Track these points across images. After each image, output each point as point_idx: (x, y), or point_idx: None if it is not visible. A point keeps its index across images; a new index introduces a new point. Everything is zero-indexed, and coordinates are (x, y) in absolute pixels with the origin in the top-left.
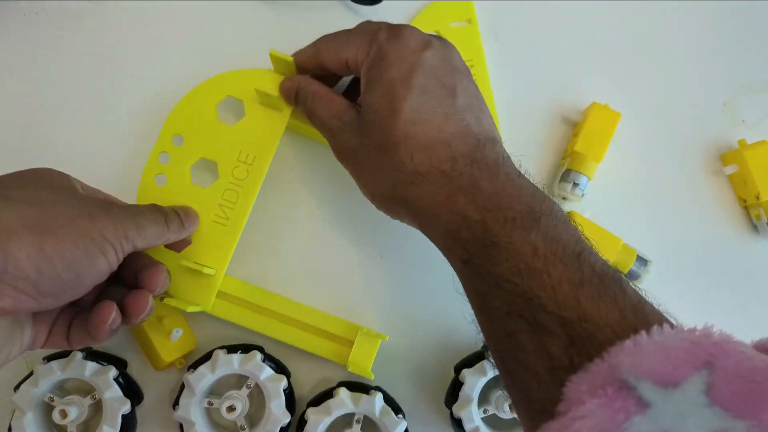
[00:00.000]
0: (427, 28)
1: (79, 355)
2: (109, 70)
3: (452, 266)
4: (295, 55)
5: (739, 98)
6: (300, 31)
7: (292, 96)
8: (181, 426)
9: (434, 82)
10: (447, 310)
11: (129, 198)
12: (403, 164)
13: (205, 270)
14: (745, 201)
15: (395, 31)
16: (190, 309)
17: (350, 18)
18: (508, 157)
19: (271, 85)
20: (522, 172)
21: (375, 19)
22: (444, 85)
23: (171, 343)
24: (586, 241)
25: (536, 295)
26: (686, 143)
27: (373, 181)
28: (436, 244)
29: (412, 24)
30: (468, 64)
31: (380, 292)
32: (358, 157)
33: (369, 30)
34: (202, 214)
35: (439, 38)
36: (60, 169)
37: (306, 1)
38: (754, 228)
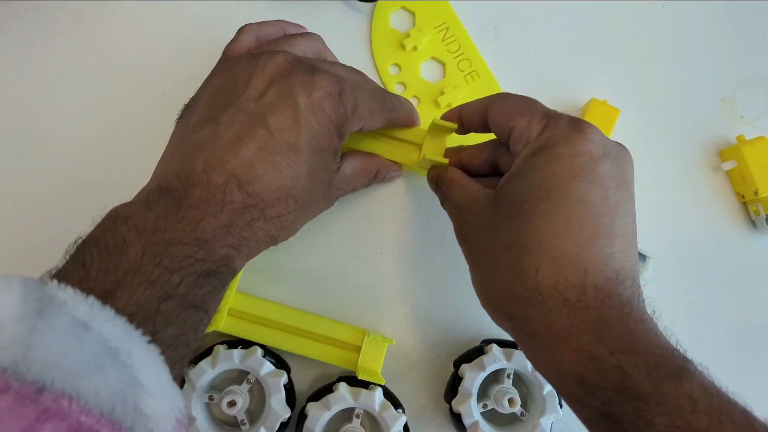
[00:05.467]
0: (394, 6)
1: None
2: (109, 67)
3: (577, 415)
4: (464, 105)
5: (738, 94)
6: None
7: (433, 185)
8: None
9: (598, 193)
10: (446, 305)
11: None
12: (524, 274)
13: None
14: (743, 197)
15: (578, 124)
16: None
17: (351, 16)
18: (643, 296)
19: None
20: (652, 315)
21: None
22: (606, 200)
23: None
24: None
25: None
26: (685, 139)
27: (484, 277)
28: (547, 379)
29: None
30: (443, 26)
31: (379, 288)
32: (479, 243)
33: (550, 111)
34: None
35: (619, 145)
36: (59, 170)
37: (307, 0)
38: (753, 224)
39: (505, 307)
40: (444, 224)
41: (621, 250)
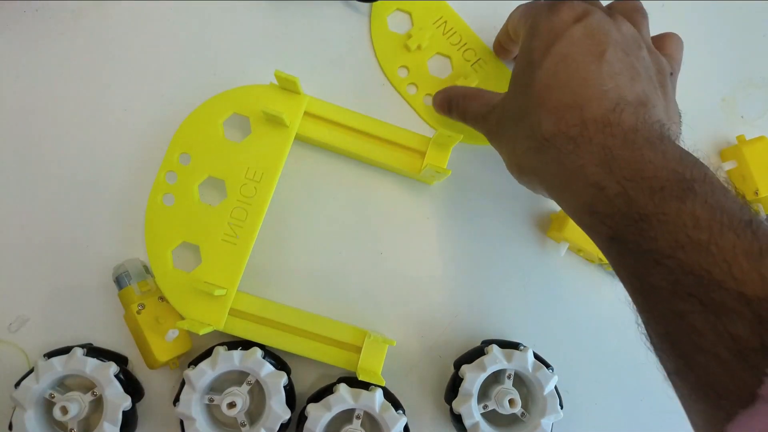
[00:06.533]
0: (390, 8)
1: (80, 351)
2: (109, 67)
3: (595, 242)
4: (498, 33)
5: (738, 94)
6: (300, 29)
7: (445, 107)
8: (181, 422)
9: (579, 49)
10: (446, 305)
11: (136, 216)
12: (532, 130)
13: (216, 291)
14: (743, 197)
15: (553, 5)
16: (203, 331)
17: (350, 16)
18: (656, 121)
19: (276, 102)
20: (668, 136)
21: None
22: (591, 53)
23: (166, 343)
24: (751, 208)
25: (706, 271)
26: (684, 139)
27: (509, 152)
28: (573, 219)
29: None
30: (440, 21)
31: (380, 289)
32: (500, 130)
33: (533, 5)
34: (211, 234)
35: (607, 10)
36: (58, 170)
37: (307, 0)
38: None
39: (524, 163)
40: (444, 225)
41: (617, 85)
